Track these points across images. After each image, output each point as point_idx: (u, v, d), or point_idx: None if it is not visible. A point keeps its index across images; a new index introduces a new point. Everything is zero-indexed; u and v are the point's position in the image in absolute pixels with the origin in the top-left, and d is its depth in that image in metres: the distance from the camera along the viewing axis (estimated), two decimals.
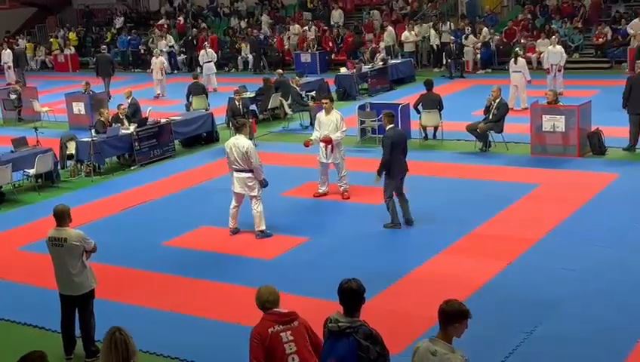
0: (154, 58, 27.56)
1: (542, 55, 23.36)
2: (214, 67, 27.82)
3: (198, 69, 28.14)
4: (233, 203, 12.41)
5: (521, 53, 22.39)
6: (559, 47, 22.29)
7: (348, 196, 13.96)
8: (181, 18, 36.95)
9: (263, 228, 12.27)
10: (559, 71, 21.84)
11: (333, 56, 30.88)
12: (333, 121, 13.80)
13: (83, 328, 8.67)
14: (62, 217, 8.47)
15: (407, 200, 12.33)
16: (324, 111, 14.02)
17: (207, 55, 27.77)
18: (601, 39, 26.87)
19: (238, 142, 11.96)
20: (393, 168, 12.04)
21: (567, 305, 9.29)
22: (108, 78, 27.23)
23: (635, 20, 26.09)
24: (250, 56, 31.76)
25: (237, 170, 12.05)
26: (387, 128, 12.20)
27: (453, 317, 5.47)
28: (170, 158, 18.06)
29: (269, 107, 21.15)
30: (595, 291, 9.62)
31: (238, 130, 12.38)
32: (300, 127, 20.43)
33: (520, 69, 20.73)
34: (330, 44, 31.12)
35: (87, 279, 8.50)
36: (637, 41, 25.46)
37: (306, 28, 32.06)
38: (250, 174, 11.99)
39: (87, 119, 21.17)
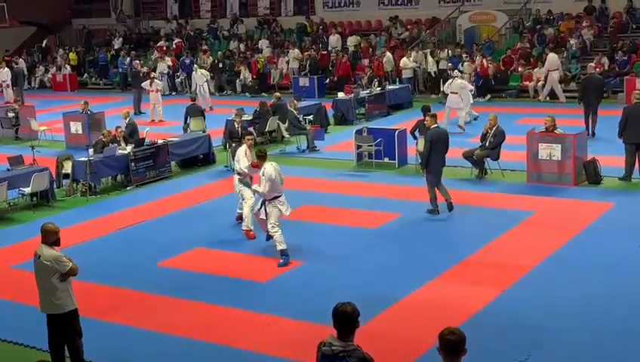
0: (157, 81, 27.75)
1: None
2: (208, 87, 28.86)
3: (200, 89, 28.28)
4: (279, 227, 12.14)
5: (457, 74, 23.63)
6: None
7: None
8: (177, 40, 37.06)
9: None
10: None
11: (330, 80, 31.04)
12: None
13: (69, 348, 8.61)
14: (45, 234, 8.44)
15: (445, 188, 14.14)
16: (247, 148, 13.43)
17: (203, 75, 28.41)
18: (598, 69, 26.99)
19: (277, 166, 12.05)
20: (432, 163, 13.91)
21: (561, 334, 9.26)
22: (139, 92, 28.13)
23: (551, 54, 26.45)
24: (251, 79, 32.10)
25: (279, 194, 12.11)
26: (431, 127, 14.15)
27: (461, 344, 5.38)
28: (167, 179, 18.06)
29: (266, 130, 21.20)
30: (590, 320, 9.60)
31: (265, 158, 12.17)
32: (297, 151, 20.48)
33: (456, 90, 22.12)
34: (330, 69, 31.28)
35: (59, 300, 8.36)
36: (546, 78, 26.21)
37: (308, 53, 32.22)
38: None
39: (85, 139, 21.19)
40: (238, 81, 32.33)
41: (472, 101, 23.06)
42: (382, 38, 33.10)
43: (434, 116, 14.64)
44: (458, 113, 22.03)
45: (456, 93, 22.26)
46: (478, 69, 27.66)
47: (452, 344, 5.36)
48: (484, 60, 27.85)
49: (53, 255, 8.34)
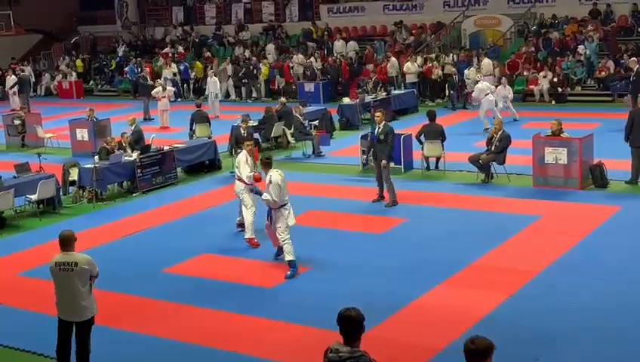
0: (168, 87, 27.92)
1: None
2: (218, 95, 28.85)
3: (212, 96, 28.35)
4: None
5: (479, 77, 24.43)
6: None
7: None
8: (180, 47, 37.16)
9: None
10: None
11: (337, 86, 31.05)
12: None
13: (80, 355, 8.60)
14: (66, 241, 8.54)
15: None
16: (248, 155, 13.27)
17: (214, 83, 28.48)
18: (603, 72, 26.98)
19: (282, 174, 11.89)
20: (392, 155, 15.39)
21: (568, 339, 9.24)
22: (147, 99, 28.30)
23: (485, 60, 27.66)
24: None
25: (285, 203, 11.89)
26: (384, 123, 15.13)
27: (485, 353, 5.36)
28: (173, 186, 18.07)
29: (271, 136, 21.21)
30: (596, 325, 9.57)
31: (270, 165, 12.04)
32: (302, 156, 20.48)
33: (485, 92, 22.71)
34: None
35: (91, 304, 8.53)
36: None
37: (312, 59, 32.23)
38: None
39: (91, 146, 21.22)
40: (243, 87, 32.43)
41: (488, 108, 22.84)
42: (382, 43, 33.08)
43: (383, 113, 15.60)
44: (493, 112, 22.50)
45: (487, 94, 22.58)
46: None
47: (471, 353, 5.36)
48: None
49: (88, 259, 8.54)
